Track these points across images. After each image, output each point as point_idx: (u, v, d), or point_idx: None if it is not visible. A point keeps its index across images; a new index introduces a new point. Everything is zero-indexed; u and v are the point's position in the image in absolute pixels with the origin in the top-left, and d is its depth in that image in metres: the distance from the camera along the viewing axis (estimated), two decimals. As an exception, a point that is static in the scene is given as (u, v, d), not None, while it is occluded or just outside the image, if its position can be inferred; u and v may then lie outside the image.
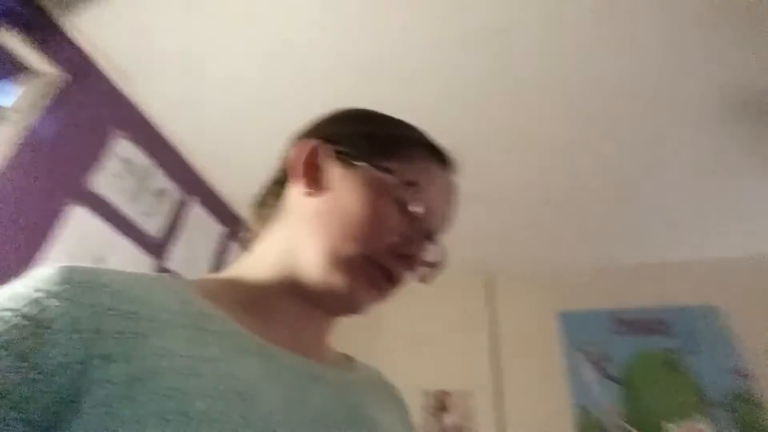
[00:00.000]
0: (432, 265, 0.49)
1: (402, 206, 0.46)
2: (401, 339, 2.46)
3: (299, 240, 0.47)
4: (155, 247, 1.72)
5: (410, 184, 0.47)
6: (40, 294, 0.32)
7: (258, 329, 0.42)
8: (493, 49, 1.48)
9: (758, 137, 1.70)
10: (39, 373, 0.28)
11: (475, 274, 2.56)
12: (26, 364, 0.28)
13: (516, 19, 1.39)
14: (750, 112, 1.61)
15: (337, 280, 0.44)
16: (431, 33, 1.45)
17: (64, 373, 0.29)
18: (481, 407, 2.20)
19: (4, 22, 1.25)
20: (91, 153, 1.55)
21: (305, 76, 1.63)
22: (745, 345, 2.05)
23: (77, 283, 0.33)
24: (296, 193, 0.49)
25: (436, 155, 0.52)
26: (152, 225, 1.72)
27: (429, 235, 0.48)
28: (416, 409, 2.24)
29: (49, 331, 0.30)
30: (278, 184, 0.53)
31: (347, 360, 0.55)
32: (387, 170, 0.47)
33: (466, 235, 2.23)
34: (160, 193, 1.78)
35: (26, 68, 1.46)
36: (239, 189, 2.20)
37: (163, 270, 1.73)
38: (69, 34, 1.53)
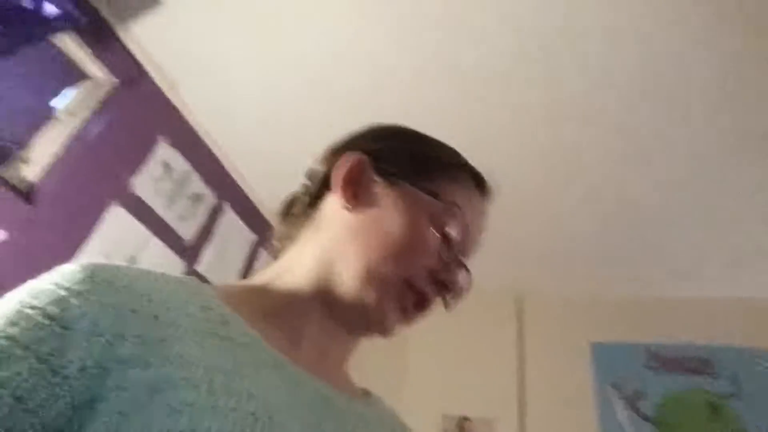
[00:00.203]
0: (460, 292, 0.48)
1: (441, 230, 0.45)
2: (425, 360, 2.41)
3: (336, 253, 0.46)
4: (187, 250, 1.76)
5: (450, 206, 0.46)
6: (63, 292, 0.31)
7: (279, 342, 0.41)
8: (534, 67, 1.45)
9: None
10: (58, 377, 0.28)
11: (505, 297, 2.49)
12: (45, 366, 0.28)
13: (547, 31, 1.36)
14: None
15: (371, 298, 0.44)
16: (469, 47, 1.44)
17: (82, 378, 0.28)
18: (503, 437, 2.12)
19: (62, 26, 1.32)
20: (135, 156, 1.60)
21: (341, 86, 1.65)
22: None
23: (100, 282, 0.33)
24: (335, 205, 0.49)
25: (476, 180, 0.52)
26: (186, 229, 1.76)
27: (461, 261, 0.48)
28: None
29: (69, 332, 0.29)
30: (314, 194, 0.52)
31: (363, 393, 0.53)
32: (431, 193, 0.47)
33: (498, 256, 2.18)
34: (196, 198, 1.83)
35: (80, 72, 1.54)
36: (271, 197, 2.23)
37: (193, 273, 1.76)
38: (122, 40, 1.61)
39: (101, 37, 1.54)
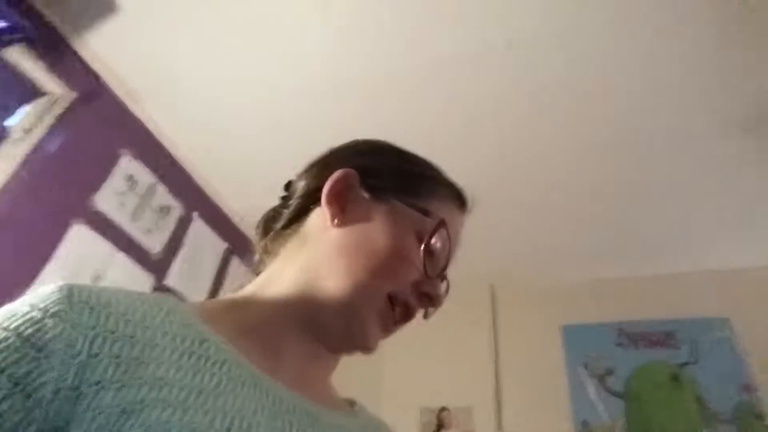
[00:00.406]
0: (440, 303, 0.50)
1: (427, 245, 0.46)
2: (401, 354, 2.45)
3: (321, 267, 0.46)
4: (155, 264, 1.74)
5: (439, 224, 0.47)
6: (39, 313, 0.31)
7: (258, 358, 0.41)
8: (509, 62, 1.50)
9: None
10: (31, 399, 0.28)
11: (479, 287, 2.55)
12: (19, 389, 0.28)
13: (535, 31, 1.41)
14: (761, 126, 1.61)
15: (355, 314, 0.45)
16: (443, 48, 1.47)
17: (56, 401, 0.29)
18: (481, 424, 2.18)
19: (11, 40, 1.29)
20: (97, 171, 1.58)
21: (310, 96, 1.67)
22: (753, 357, 2.03)
23: (77, 303, 0.33)
24: (321, 219, 0.49)
25: (457, 196, 0.53)
26: (153, 242, 1.74)
27: (444, 274, 0.49)
28: (415, 426, 2.21)
29: (43, 354, 0.29)
30: (298, 208, 0.51)
31: (348, 404, 0.54)
32: (419, 209, 0.47)
33: (469, 247, 2.24)
34: (163, 210, 1.81)
35: (34, 87, 1.50)
36: (241, 204, 2.22)
37: (163, 288, 1.75)
38: (78, 53, 1.57)
39: (55, 49, 1.51)
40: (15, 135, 1.42)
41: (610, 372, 2.17)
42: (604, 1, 1.32)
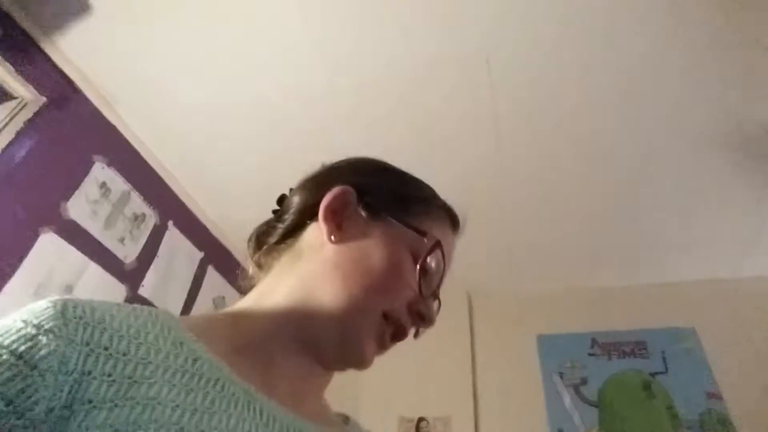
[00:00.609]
0: (432, 323, 0.50)
1: (422, 265, 0.47)
2: (380, 364, 2.44)
3: (317, 284, 0.46)
4: (129, 273, 1.68)
5: (435, 244, 0.48)
6: (33, 330, 0.31)
7: (252, 376, 0.41)
8: (494, 71, 1.50)
9: (742, 167, 1.77)
10: (24, 419, 0.28)
11: (455, 298, 2.57)
12: (11, 408, 0.28)
13: (518, 37, 1.42)
14: (744, 143, 1.67)
15: (351, 331, 0.45)
16: (428, 47, 1.47)
17: (48, 421, 0.28)
18: (459, 433, 2.19)
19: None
20: (67, 179, 1.52)
21: (290, 105, 1.66)
22: (718, 366, 2.10)
23: (71, 319, 0.33)
24: (317, 235, 0.49)
25: (450, 217, 0.54)
26: (127, 251, 1.69)
27: (437, 294, 0.50)
28: (395, 436, 2.21)
29: (37, 371, 0.29)
30: (293, 223, 0.51)
31: (342, 419, 0.54)
32: (416, 229, 0.48)
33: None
34: (137, 218, 1.76)
35: (0, 90, 1.44)
36: (218, 214, 2.19)
37: (138, 298, 1.70)
38: (47, 56, 1.52)
39: (24, 52, 1.45)
40: (-19, 140, 1.36)
41: (584, 381, 2.21)
42: (599, 8, 1.33)
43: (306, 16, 1.41)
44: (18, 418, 0.28)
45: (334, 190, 0.49)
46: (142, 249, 1.76)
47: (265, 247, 0.53)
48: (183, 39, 1.48)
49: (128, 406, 0.31)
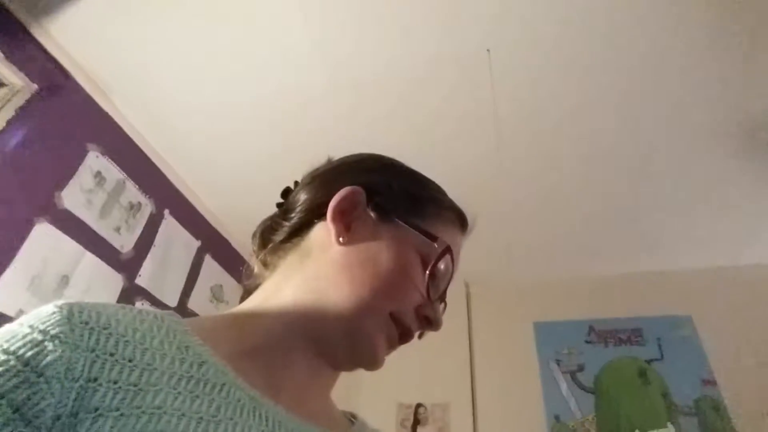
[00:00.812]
0: (439, 326, 0.50)
1: (431, 268, 0.46)
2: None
3: (325, 285, 0.45)
4: (126, 263, 1.68)
5: (445, 249, 0.47)
6: (39, 335, 0.31)
7: (258, 380, 0.41)
8: (481, 71, 1.50)
9: (740, 162, 1.77)
10: (31, 426, 0.28)
11: (453, 286, 2.57)
12: (18, 415, 0.27)
13: (518, 37, 1.40)
14: (743, 139, 1.67)
15: (362, 332, 0.44)
16: (428, 47, 1.45)
17: (55, 427, 0.28)
18: (457, 419, 2.21)
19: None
20: (62, 168, 1.50)
21: (287, 97, 1.63)
22: (714, 353, 2.12)
23: (77, 324, 0.33)
24: (325, 235, 0.48)
25: (460, 220, 0.53)
26: (123, 240, 1.68)
27: (444, 296, 0.50)
28: (392, 422, 2.23)
29: (44, 378, 0.29)
30: (301, 222, 0.50)
31: (349, 418, 0.53)
32: (425, 232, 0.47)
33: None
34: (133, 207, 1.75)
35: (-9, 79, 1.42)
36: (215, 203, 2.18)
37: (133, 287, 1.69)
38: (39, 42, 1.49)
39: (14, 38, 1.43)
40: (-28, 128, 1.34)
41: (581, 368, 2.23)
42: (599, 8, 1.32)
43: (306, 16, 1.38)
44: (25, 426, 0.27)
45: (344, 191, 0.48)
46: (139, 238, 1.75)
47: (270, 245, 0.52)
48: (179, 26, 1.45)
49: (134, 416, 0.31)
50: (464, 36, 1.41)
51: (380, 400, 2.22)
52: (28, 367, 0.29)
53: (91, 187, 1.58)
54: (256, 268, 0.53)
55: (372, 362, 0.46)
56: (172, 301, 1.87)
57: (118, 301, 1.59)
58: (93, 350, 0.32)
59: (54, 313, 0.33)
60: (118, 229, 1.66)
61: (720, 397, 2.03)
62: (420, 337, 0.50)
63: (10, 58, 1.40)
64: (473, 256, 2.35)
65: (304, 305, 0.45)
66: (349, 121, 1.69)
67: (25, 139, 1.41)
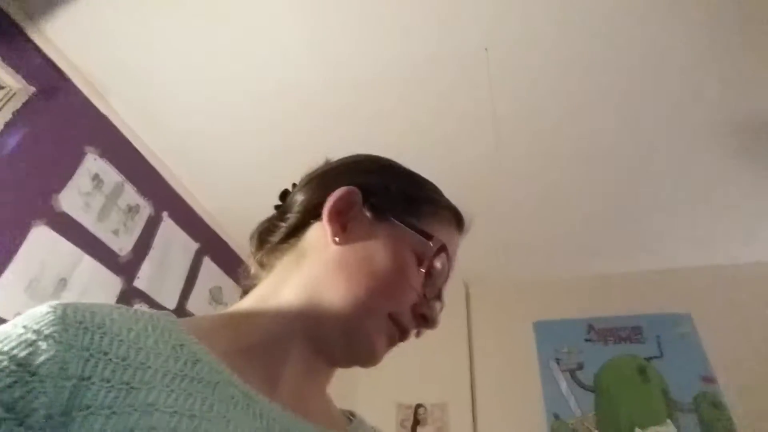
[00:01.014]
0: (436, 324, 0.50)
1: (427, 268, 0.47)
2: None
3: (321, 285, 0.46)
4: (124, 265, 1.68)
5: (440, 248, 0.47)
6: (33, 335, 0.31)
7: (254, 378, 0.41)
8: (480, 70, 1.50)
9: (740, 161, 1.78)
10: (23, 426, 0.28)
11: (452, 286, 2.56)
12: (11, 414, 0.28)
13: (517, 36, 1.40)
14: (743, 138, 1.67)
15: (359, 331, 0.45)
16: (427, 46, 1.45)
17: (47, 427, 0.28)
18: (457, 419, 2.21)
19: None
20: (59, 171, 1.50)
21: (284, 98, 1.63)
22: (713, 350, 2.12)
23: (71, 324, 0.33)
24: (320, 235, 0.48)
25: (456, 219, 0.53)
26: (122, 243, 1.67)
27: (441, 295, 0.50)
28: (392, 422, 2.23)
29: (37, 378, 0.29)
30: (297, 222, 0.50)
31: (347, 417, 0.53)
32: (421, 232, 0.47)
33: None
34: (131, 210, 1.74)
35: (-13, 81, 1.41)
36: (213, 205, 2.17)
37: (132, 290, 1.69)
38: (36, 45, 1.48)
39: (11, 40, 1.42)
40: (-32, 132, 1.34)
41: (580, 366, 2.23)
42: (599, 8, 1.32)
43: (303, 16, 1.39)
44: (18, 425, 0.27)
45: (339, 191, 0.48)
46: (137, 241, 1.75)
47: (267, 246, 0.52)
48: (176, 27, 1.45)
49: (126, 414, 0.31)
50: (462, 35, 1.41)
51: (380, 401, 2.22)
52: (22, 366, 0.29)
53: (89, 189, 1.57)
54: (253, 268, 0.54)
55: (370, 360, 0.47)
56: (171, 303, 1.87)
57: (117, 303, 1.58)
58: (87, 349, 0.32)
59: (48, 313, 0.33)
60: (116, 232, 1.66)
61: (719, 394, 2.03)
62: (417, 335, 0.50)
63: (7, 60, 1.40)
64: (472, 256, 2.38)
65: (301, 305, 0.46)
66: (349, 120, 1.69)
67: (23, 141, 1.41)
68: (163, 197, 1.94)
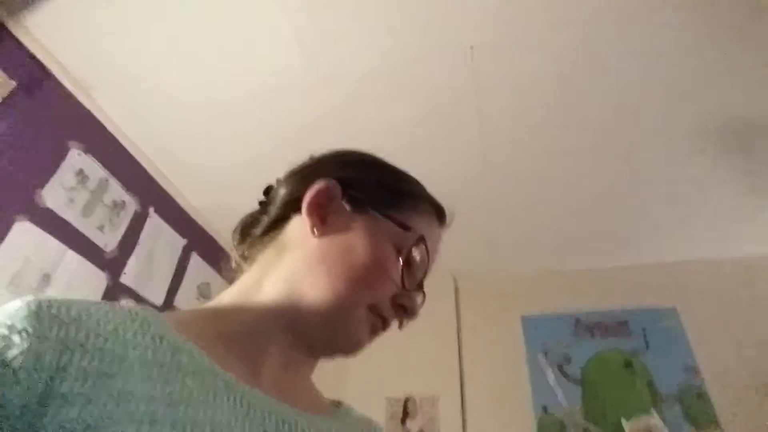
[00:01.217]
0: (416, 315, 0.50)
1: (406, 259, 0.47)
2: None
3: (302, 277, 0.46)
4: (110, 262, 1.66)
5: (418, 239, 0.48)
6: (5, 330, 0.31)
7: (235, 366, 0.41)
8: (466, 66, 1.51)
9: (727, 158, 1.80)
10: None
11: (441, 280, 2.59)
12: None
13: (504, 31, 1.40)
14: (726, 134, 1.70)
15: (340, 324, 0.45)
16: (412, 43, 1.45)
17: (23, 417, 0.28)
18: (446, 412, 2.23)
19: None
20: (42, 166, 1.48)
21: (272, 95, 1.62)
22: (698, 343, 2.16)
23: (45, 317, 0.33)
24: (301, 229, 0.49)
25: (437, 211, 0.54)
26: (107, 239, 1.65)
27: (421, 287, 0.50)
28: (381, 416, 2.24)
29: (10, 369, 0.29)
30: (278, 216, 0.51)
31: (334, 406, 0.54)
32: (400, 223, 0.48)
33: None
34: (117, 206, 1.72)
35: (-33, 76, 1.38)
36: (200, 201, 2.15)
37: (118, 286, 1.67)
38: (17, 38, 1.45)
39: (-10, 34, 1.39)
40: (-52, 126, 1.31)
41: (568, 360, 2.26)
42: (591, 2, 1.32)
43: (290, 16, 1.38)
44: None
45: (318, 184, 0.49)
46: (123, 236, 1.73)
47: (249, 239, 0.53)
48: (161, 22, 1.43)
49: (102, 401, 0.31)
50: (448, 34, 1.41)
51: (369, 395, 2.23)
52: None
53: (73, 185, 1.55)
54: (236, 261, 0.54)
55: (352, 350, 0.47)
56: (159, 299, 1.85)
57: (102, 299, 1.57)
58: (62, 341, 0.32)
59: (21, 308, 0.33)
60: (101, 228, 1.63)
61: (703, 386, 2.07)
62: (400, 327, 0.51)
63: (-13, 54, 1.37)
64: (461, 251, 2.39)
65: (282, 297, 0.46)
66: (335, 118, 1.69)
67: (4, 136, 1.38)
68: (150, 193, 1.92)
